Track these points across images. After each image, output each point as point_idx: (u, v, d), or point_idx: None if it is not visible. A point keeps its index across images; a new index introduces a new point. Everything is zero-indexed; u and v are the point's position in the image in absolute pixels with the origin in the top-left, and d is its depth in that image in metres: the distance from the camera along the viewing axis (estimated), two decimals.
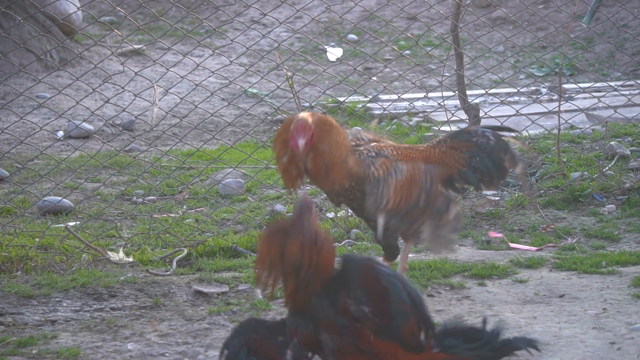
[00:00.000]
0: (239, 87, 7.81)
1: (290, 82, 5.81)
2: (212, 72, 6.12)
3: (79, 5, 9.82)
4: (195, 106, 6.14)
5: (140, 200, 6.26)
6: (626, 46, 11.50)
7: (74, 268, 4.95)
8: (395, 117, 8.46)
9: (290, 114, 6.61)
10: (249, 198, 6.21)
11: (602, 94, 7.00)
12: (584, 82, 9.06)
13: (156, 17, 6.46)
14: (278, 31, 11.24)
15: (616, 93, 7.18)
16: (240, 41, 8.55)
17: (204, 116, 7.80)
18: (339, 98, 7.21)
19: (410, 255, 5.15)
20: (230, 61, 6.35)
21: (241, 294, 4.60)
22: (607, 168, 6.34)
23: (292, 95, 5.88)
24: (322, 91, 6.75)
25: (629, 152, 6.67)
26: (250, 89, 8.27)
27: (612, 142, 6.74)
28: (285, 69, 5.95)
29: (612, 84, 7.83)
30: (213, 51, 6.14)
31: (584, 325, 4.11)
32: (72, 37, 9.95)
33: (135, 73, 5.79)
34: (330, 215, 5.78)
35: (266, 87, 9.44)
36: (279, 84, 6.08)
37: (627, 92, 7.66)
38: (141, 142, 7.47)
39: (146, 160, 6.81)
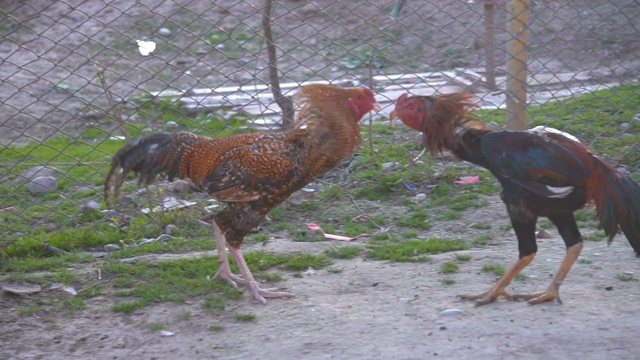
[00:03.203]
0: (48, 82, 7.63)
1: (101, 77, 5.71)
2: (20, 68, 5.95)
3: None
4: (2, 103, 5.95)
5: None
6: (433, 38, 11.82)
7: None
8: (210, 111, 8.44)
9: (102, 109, 6.52)
10: (62, 196, 6.07)
11: (411, 85, 7.16)
12: (393, 74, 9.26)
13: None
14: (88, 25, 11.04)
15: (424, 84, 7.36)
16: (49, 36, 8.34)
17: (12, 113, 7.58)
18: (152, 92, 7.14)
19: (226, 249, 5.15)
20: (39, 56, 6.19)
21: (54, 294, 4.50)
22: (417, 158, 6.50)
23: (103, 91, 5.78)
24: (135, 86, 6.66)
25: None
26: (60, 85, 8.11)
27: (421, 133, 6.90)
28: (96, 63, 5.84)
29: (420, 75, 8.03)
30: (20, 46, 5.96)
31: (397, 312, 4.20)
32: None
33: None
34: (146, 210, 5.72)
35: (77, 83, 9.26)
36: (89, 79, 5.97)
37: (435, 83, 7.87)
38: None
39: None
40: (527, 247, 4.23)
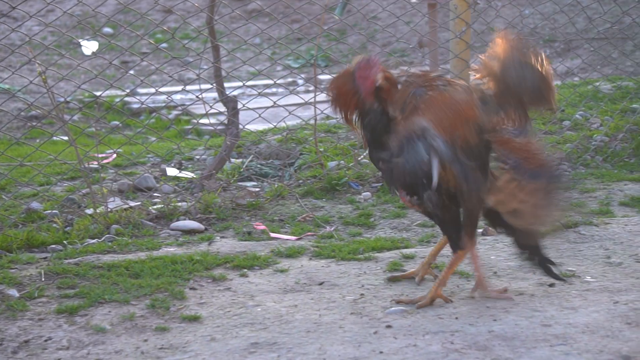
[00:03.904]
0: None
1: (43, 77, 5.65)
2: None
3: None
4: None
5: None
6: (377, 37, 11.86)
7: None
8: (154, 111, 8.39)
9: (44, 109, 6.45)
10: (3, 197, 6.00)
11: None
12: (338, 73, 9.27)
13: None
14: (29, 25, 10.92)
15: None
16: None
17: None
18: (95, 92, 7.08)
19: (171, 249, 5.14)
20: None
21: None
22: (362, 157, 6.52)
23: (46, 91, 5.72)
24: (78, 85, 6.60)
25: None
26: (1, 85, 8.01)
27: None
28: (38, 63, 5.78)
29: None
30: None
31: (343, 311, 4.21)
32: None
33: None
34: (89, 211, 5.67)
35: (19, 83, 9.16)
36: (31, 79, 5.91)
37: None
38: None
39: None
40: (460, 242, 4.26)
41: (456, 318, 4.08)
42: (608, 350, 3.70)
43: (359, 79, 4.25)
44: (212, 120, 6.96)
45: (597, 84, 8.29)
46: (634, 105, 7.72)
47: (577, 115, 7.51)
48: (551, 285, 4.50)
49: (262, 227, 5.55)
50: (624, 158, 6.95)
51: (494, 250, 5.04)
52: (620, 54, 10.12)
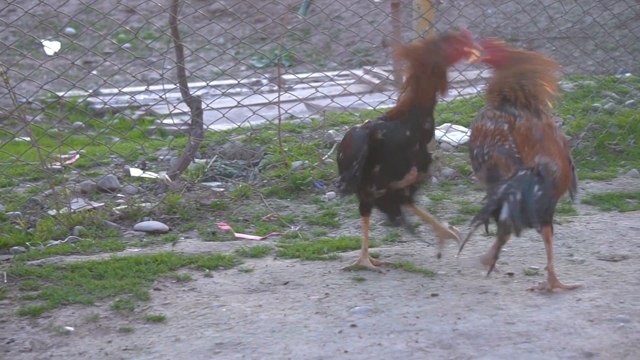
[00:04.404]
0: None
1: (4, 77, 5.62)
2: None
3: None
4: None
5: None
6: (341, 37, 11.88)
7: None
8: (117, 111, 8.36)
9: (6, 110, 6.39)
10: None
11: (320, 83, 7.20)
12: (302, 73, 9.28)
13: None
14: None
15: (333, 83, 7.40)
16: None
17: None
18: (58, 93, 7.04)
19: (135, 250, 5.11)
20: None
21: None
22: (326, 156, 6.53)
23: (7, 91, 5.68)
24: (40, 86, 6.55)
25: None
26: None
27: (330, 131, 6.96)
28: None
29: (328, 74, 8.07)
30: None
31: (308, 311, 4.22)
32: None
33: None
34: (52, 212, 5.64)
35: None
36: None
37: (343, 82, 7.92)
38: None
39: None
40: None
41: (420, 317, 4.10)
42: (571, 348, 3.73)
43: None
44: (176, 121, 6.94)
45: (559, 83, 8.34)
46: (595, 104, 7.78)
47: None
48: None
49: (227, 227, 5.54)
50: (585, 156, 7.02)
51: (458, 248, 5.06)
52: (582, 53, 10.20)
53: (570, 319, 4.02)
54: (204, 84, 7.89)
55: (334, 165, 6.38)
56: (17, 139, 6.69)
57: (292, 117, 7.34)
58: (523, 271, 4.65)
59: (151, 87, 6.90)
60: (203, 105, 6.43)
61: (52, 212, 5.67)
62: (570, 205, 5.87)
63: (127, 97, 7.86)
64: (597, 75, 8.89)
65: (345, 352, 3.76)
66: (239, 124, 6.69)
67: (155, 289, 4.52)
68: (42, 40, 9.75)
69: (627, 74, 9.39)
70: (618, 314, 4.05)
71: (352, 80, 9.07)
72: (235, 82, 8.10)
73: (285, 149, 6.61)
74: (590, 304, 4.20)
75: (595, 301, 4.22)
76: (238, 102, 6.55)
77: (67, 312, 4.24)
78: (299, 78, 7.37)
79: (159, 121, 7.36)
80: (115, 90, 7.70)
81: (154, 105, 7.91)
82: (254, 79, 10.41)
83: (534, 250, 5.01)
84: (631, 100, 7.96)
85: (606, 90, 8.22)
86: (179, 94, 6.68)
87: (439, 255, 4.82)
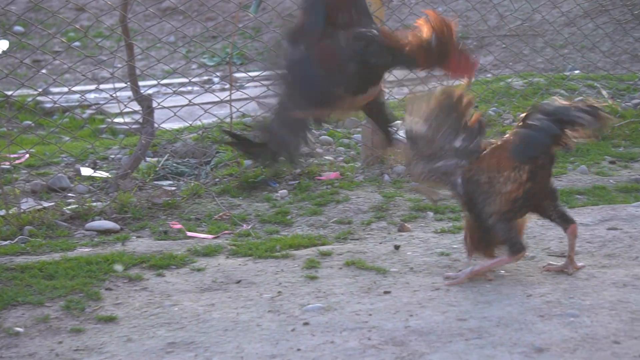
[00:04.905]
0: None
1: None
2: None
3: None
4: None
5: None
6: None
7: None
8: (68, 110, 8.29)
9: None
10: None
11: (272, 81, 7.16)
12: (254, 71, 9.26)
13: None
14: None
15: None
16: None
17: None
18: (6, 92, 6.97)
19: (86, 250, 5.08)
20: None
21: None
22: None
23: None
24: None
25: None
26: None
27: None
28: None
29: (279, 71, 8.04)
30: None
31: (260, 309, 4.21)
32: None
33: None
34: (1, 212, 5.58)
35: None
36: None
37: None
38: None
39: None
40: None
41: (373, 314, 4.11)
42: (522, 343, 3.76)
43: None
44: (127, 119, 6.91)
45: (509, 80, 8.41)
46: (545, 101, 7.84)
47: (490, 112, 7.61)
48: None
49: (179, 226, 5.52)
50: None
51: (410, 245, 5.08)
52: (532, 50, 10.28)
53: (521, 315, 4.05)
54: (155, 82, 7.86)
55: (285, 164, 6.37)
56: None
57: (244, 115, 7.32)
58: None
59: (102, 86, 6.86)
60: (154, 104, 6.40)
61: (2, 212, 5.61)
62: None
63: (77, 96, 7.81)
64: (546, 73, 8.97)
65: (298, 350, 3.76)
66: (190, 123, 6.66)
67: (106, 289, 4.50)
68: None
69: (576, 71, 9.48)
70: (568, 309, 4.09)
71: None
72: (187, 80, 8.08)
73: None
74: (540, 299, 4.23)
75: (546, 297, 4.26)
76: (189, 101, 6.53)
77: (16, 313, 4.20)
78: (250, 76, 7.35)
79: (109, 120, 7.32)
80: (65, 89, 7.63)
81: (105, 104, 7.86)
82: (205, 78, 10.37)
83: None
84: (580, 98, 8.04)
85: (555, 87, 8.30)
86: (129, 93, 6.64)
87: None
